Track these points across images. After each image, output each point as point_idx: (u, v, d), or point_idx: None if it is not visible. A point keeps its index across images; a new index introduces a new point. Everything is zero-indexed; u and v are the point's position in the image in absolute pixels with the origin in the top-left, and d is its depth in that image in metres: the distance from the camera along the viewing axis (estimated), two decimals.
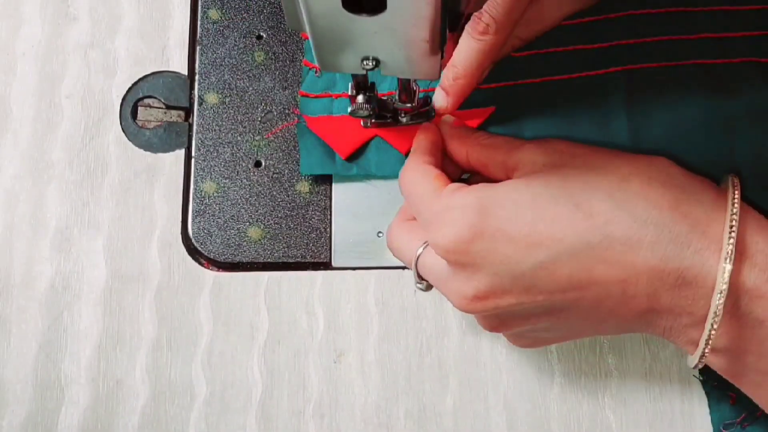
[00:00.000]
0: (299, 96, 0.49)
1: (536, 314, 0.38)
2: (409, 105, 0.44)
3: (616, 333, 0.40)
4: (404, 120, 0.46)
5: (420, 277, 0.41)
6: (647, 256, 0.35)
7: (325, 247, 0.47)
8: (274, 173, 0.49)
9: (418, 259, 0.40)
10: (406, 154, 0.47)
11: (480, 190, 0.38)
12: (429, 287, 0.42)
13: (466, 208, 0.37)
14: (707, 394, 0.44)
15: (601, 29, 0.47)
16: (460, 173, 0.45)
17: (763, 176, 0.44)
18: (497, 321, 0.40)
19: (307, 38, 0.45)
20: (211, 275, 0.47)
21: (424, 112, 0.46)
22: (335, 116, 0.48)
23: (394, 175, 0.46)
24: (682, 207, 0.36)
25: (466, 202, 0.37)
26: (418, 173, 0.41)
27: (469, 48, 0.42)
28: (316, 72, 0.49)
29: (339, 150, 0.47)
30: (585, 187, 0.37)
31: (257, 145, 0.49)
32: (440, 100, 0.44)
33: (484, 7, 0.41)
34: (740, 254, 0.35)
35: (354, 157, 0.47)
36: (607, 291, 0.36)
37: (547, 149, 0.40)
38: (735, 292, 0.35)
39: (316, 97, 0.48)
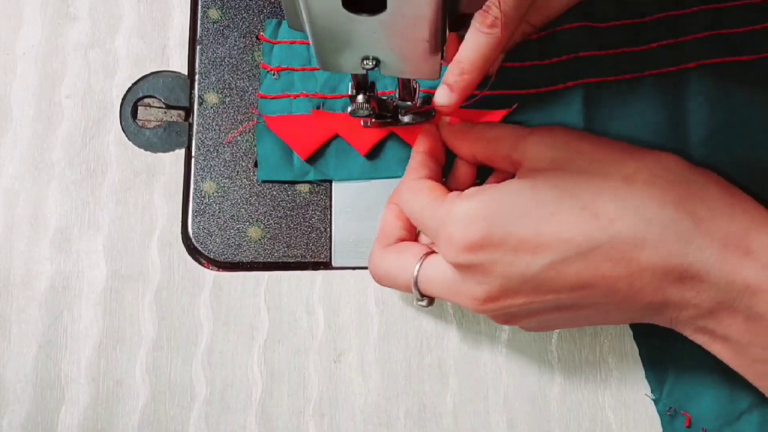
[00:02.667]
0: (258, 98, 0.49)
1: (546, 310, 0.39)
2: (409, 103, 0.44)
3: (625, 322, 0.41)
4: (405, 120, 0.46)
5: (421, 294, 0.41)
6: (651, 253, 0.36)
7: (325, 246, 0.47)
8: None
9: (417, 275, 0.40)
10: (366, 155, 0.47)
11: (482, 194, 0.38)
12: (430, 303, 0.42)
13: (470, 216, 0.38)
14: (659, 413, 0.44)
15: (554, 45, 0.47)
16: (473, 172, 0.45)
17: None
18: (509, 317, 0.40)
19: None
20: (211, 275, 0.47)
21: (425, 111, 0.46)
22: (295, 115, 0.48)
23: (352, 179, 0.47)
24: (686, 204, 0.36)
25: (469, 209, 0.38)
26: (413, 190, 0.42)
27: (476, 42, 0.42)
28: (273, 74, 0.49)
29: (299, 150, 0.47)
30: (590, 188, 0.37)
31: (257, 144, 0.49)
32: (443, 96, 0.43)
33: (491, 0, 0.41)
34: (742, 250, 0.35)
35: (313, 159, 0.48)
36: (614, 287, 0.37)
37: (553, 142, 0.40)
38: (737, 287, 0.35)
39: (275, 98, 0.49)
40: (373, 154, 0.48)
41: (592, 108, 0.46)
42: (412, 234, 0.44)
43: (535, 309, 0.39)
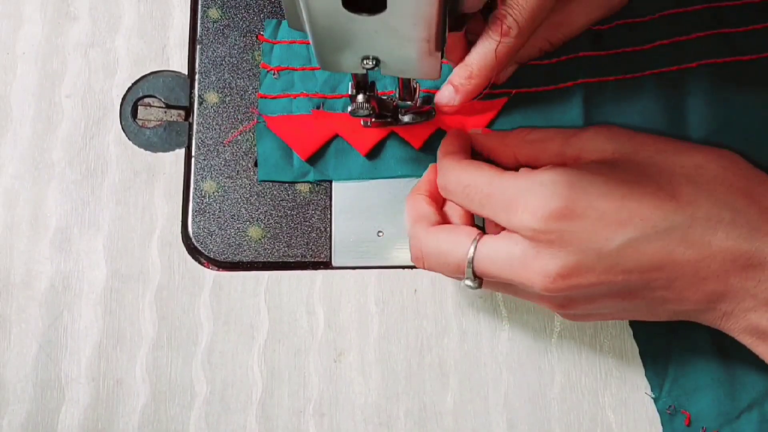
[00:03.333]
0: (258, 98, 0.49)
1: (609, 295, 0.39)
2: (409, 103, 0.44)
3: (671, 318, 0.41)
4: (405, 119, 0.46)
5: (474, 275, 0.40)
6: (723, 237, 0.37)
7: (325, 246, 0.47)
8: None
9: (474, 254, 0.40)
10: (366, 155, 0.47)
11: (565, 169, 0.39)
12: (480, 285, 0.41)
13: (556, 184, 0.38)
14: (659, 412, 0.44)
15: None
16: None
17: None
18: (568, 300, 0.40)
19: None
20: (211, 275, 0.47)
21: (425, 111, 0.46)
22: (295, 116, 0.48)
23: (351, 179, 0.47)
24: (755, 194, 0.38)
25: (556, 178, 0.38)
26: (471, 166, 0.41)
27: (487, 49, 0.42)
28: (273, 74, 0.49)
29: (299, 150, 0.47)
30: (664, 172, 0.39)
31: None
32: (447, 96, 0.44)
33: (507, 9, 0.41)
34: None
35: (313, 160, 0.48)
36: (682, 271, 0.37)
37: (614, 135, 0.41)
38: None
39: (275, 98, 0.49)
40: (373, 154, 0.48)
41: (592, 108, 0.46)
42: (447, 220, 0.43)
43: (599, 293, 0.39)
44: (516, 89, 0.47)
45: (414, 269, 0.47)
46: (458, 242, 0.40)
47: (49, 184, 0.49)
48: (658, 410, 0.44)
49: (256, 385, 0.46)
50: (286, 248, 0.48)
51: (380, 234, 0.47)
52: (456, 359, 0.46)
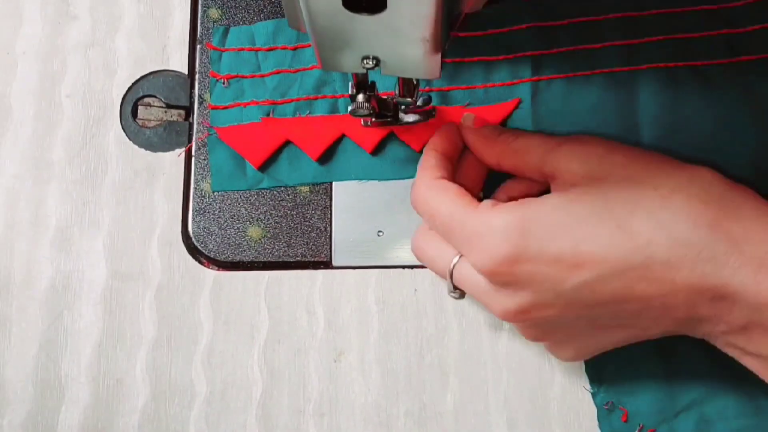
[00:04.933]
0: (209, 109, 0.49)
1: (578, 324, 0.39)
2: (409, 100, 0.44)
3: (658, 336, 0.40)
4: (405, 119, 0.46)
5: (454, 287, 0.41)
6: (686, 274, 0.36)
7: (325, 246, 0.47)
8: None
9: (453, 269, 0.40)
10: (317, 159, 0.47)
11: (520, 209, 0.38)
12: (462, 296, 0.42)
13: (508, 230, 0.37)
14: (597, 407, 0.45)
15: (507, 41, 0.48)
16: (482, 178, 0.45)
17: None
18: (539, 330, 0.40)
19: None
20: (211, 274, 0.47)
21: (425, 111, 0.46)
22: (246, 124, 0.48)
23: (306, 183, 0.47)
24: (722, 225, 0.36)
25: (508, 223, 0.37)
26: (437, 192, 0.41)
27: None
28: (223, 83, 0.49)
29: (251, 159, 0.47)
30: (626, 205, 0.37)
31: None
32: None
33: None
34: None
35: (265, 167, 0.48)
36: (648, 305, 0.37)
37: (586, 156, 0.40)
38: None
39: (226, 108, 0.48)
40: (326, 157, 0.48)
41: (540, 104, 0.47)
42: (454, 178, 0.44)
43: (566, 322, 0.39)
44: (464, 86, 0.47)
45: (414, 269, 0.47)
46: (443, 252, 0.41)
47: (49, 184, 0.49)
48: (596, 405, 0.45)
49: (256, 385, 0.46)
50: (286, 248, 0.48)
51: (380, 234, 0.47)
52: (456, 359, 0.46)
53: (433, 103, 0.46)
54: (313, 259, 0.47)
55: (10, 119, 0.50)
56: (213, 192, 0.48)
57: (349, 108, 0.42)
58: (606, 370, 0.44)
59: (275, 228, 0.48)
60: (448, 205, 0.40)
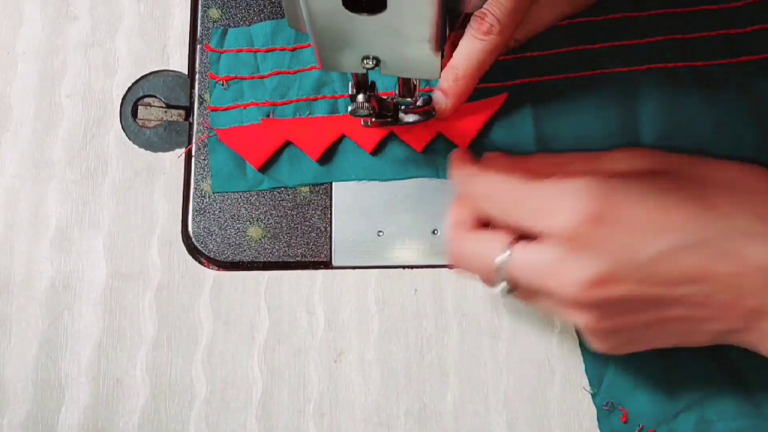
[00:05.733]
0: (209, 111, 0.49)
1: (644, 312, 0.38)
2: (410, 100, 0.44)
3: (711, 343, 0.39)
4: (405, 119, 0.46)
5: (504, 282, 0.39)
6: (760, 251, 0.36)
7: (325, 246, 0.47)
8: None
9: (506, 259, 0.38)
10: (318, 160, 0.47)
11: (600, 176, 0.38)
12: (512, 291, 0.40)
13: (590, 189, 0.37)
14: (597, 407, 0.44)
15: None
16: None
17: None
18: (600, 315, 0.38)
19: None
20: (211, 274, 0.47)
21: (425, 111, 0.46)
22: (246, 126, 0.48)
23: (306, 183, 0.47)
24: None
25: (589, 184, 0.37)
26: (502, 174, 0.40)
27: (471, 48, 0.42)
28: (222, 84, 0.49)
29: (252, 161, 0.47)
30: (700, 184, 0.38)
31: None
32: (439, 102, 0.44)
33: (487, 7, 0.40)
34: None
35: (266, 167, 0.48)
36: (723, 285, 0.36)
37: (644, 154, 0.41)
38: None
39: (226, 109, 0.48)
40: (326, 158, 0.48)
41: (541, 106, 0.47)
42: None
43: (633, 309, 0.37)
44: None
45: (414, 269, 0.47)
46: (490, 246, 0.39)
47: (49, 184, 0.49)
48: (596, 406, 0.44)
49: (256, 385, 0.46)
50: (286, 248, 0.48)
51: (380, 234, 0.47)
52: (456, 359, 0.46)
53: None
54: (313, 259, 0.47)
55: (10, 119, 0.50)
56: (213, 193, 0.48)
57: (349, 108, 0.42)
58: (606, 371, 0.44)
59: (275, 228, 0.48)
60: (513, 178, 0.40)
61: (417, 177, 0.47)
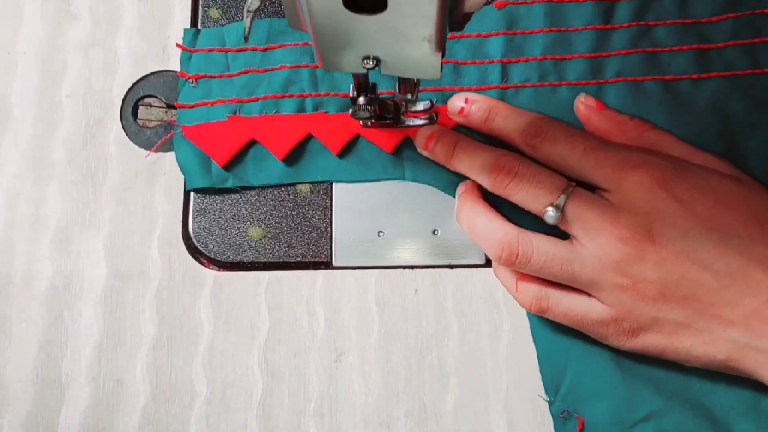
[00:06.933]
0: (177, 108, 0.49)
1: (673, 300, 0.40)
2: (410, 96, 0.44)
3: (729, 354, 0.40)
4: (407, 123, 0.46)
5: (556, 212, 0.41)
6: None
7: (325, 246, 0.47)
8: None
9: (568, 198, 0.41)
10: (283, 159, 0.47)
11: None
12: (561, 218, 0.41)
13: (678, 166, 0.41)
14: (553, 416, 0.44)
15: (477, 46, 0.48)
16: None
17: None
18: (633, 296, 0.40)
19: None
20: (211, 274, 0.47)
21: (427, 115, 0.46)
22: (211, 123, 0.48)
23: (271, 184, 0.47)
24: None
25: (677, 162, 0.42)
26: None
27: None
28: (192, 83, 0.49)
29: (216, 158, 0.47)
30: (757, 199, 0.41)
31: None
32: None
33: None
34: None
35: (231, 165, 0.47)
36: (760, 287, 0.39)
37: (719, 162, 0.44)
38: None
39: (193, 107, 0.48)
40: (293, 158, 0.47)
41: None
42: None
43: (672, 278, 0.39)
44: (433, 88, 0.48)
45: (414, 269, 0.47)
46: (549, 183, 0.42)
47: (49, 184, 0.49)
48: (552, 414, 0.44)
49: (256, 385, 0.46)
50: (286, 248, 0.48)
51: (381, 234, 0.47)
52: (456, 359, 0.46)
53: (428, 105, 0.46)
54: (313, 260, 0.47)
55: (11, 119, 0.50)
56: (186, 191, 0.48)
57: (350, 110, 0.42)
58: (563, 379, 0.44)
59: (276, 228, 0.48)
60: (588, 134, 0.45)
61: (384, 179, 0.47)
